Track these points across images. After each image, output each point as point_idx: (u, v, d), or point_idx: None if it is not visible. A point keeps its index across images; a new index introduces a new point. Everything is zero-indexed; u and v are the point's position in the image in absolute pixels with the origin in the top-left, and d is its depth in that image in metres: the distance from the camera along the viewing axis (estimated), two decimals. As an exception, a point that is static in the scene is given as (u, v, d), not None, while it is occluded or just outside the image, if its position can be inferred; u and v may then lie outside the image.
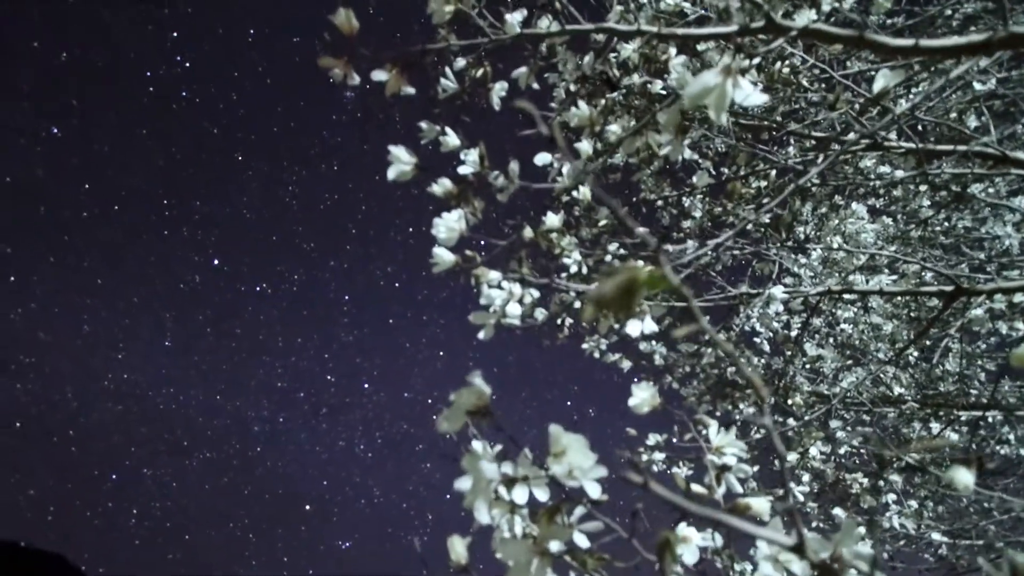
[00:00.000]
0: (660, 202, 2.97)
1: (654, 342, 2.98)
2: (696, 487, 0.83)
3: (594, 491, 0.52)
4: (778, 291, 1.16)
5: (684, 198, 2.75)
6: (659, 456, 2.61)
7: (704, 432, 0.96)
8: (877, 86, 0.81)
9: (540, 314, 1.64)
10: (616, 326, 1.51)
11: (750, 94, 0.46)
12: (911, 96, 1.96)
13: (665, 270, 0.21)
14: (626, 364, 3.08)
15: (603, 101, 0.97)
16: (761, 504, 0.57)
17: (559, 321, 2.82)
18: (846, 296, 2.40)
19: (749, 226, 2.14)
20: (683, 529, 0.79)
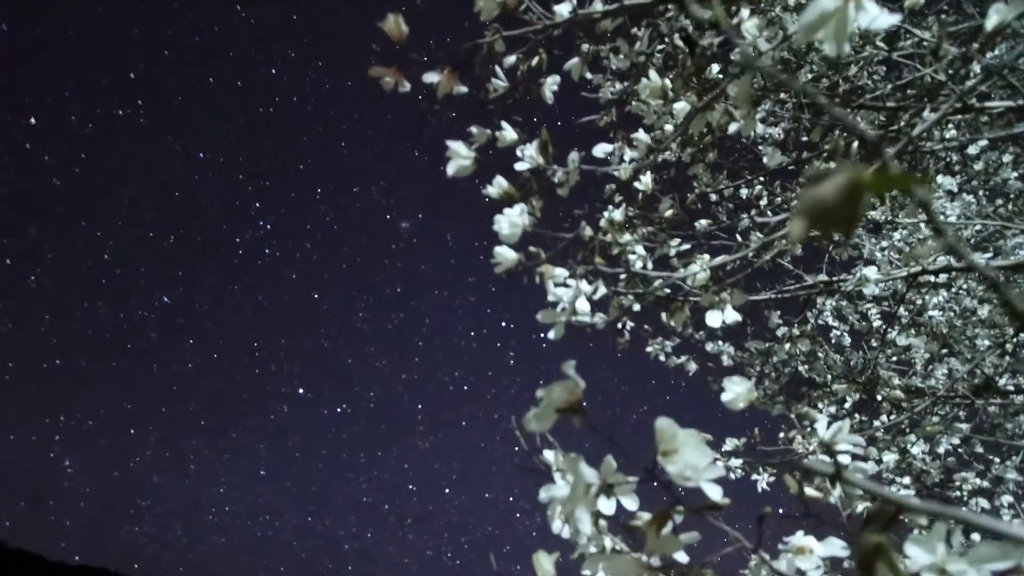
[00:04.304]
0: (715, 196, 2.85)
1: (721, 342, 2.84)
2: (810, 490, 0.74)
3: (715, 493, 0.45)
4: (872, 272, 1.05)
5: (743, 188, 2.62)
6: (736, 462, 2.45)
7: (805, 428, 0.86)
8: (991, 23, 0.71)
9: (599, 319, 1.57)
10: (709, 309, 1.42)
11: (877, 17, 0.39)
12: (986, 58, 1.79)
13: (892, 168, 0.15)
14: (692, 367, 2.94)
15: (668, 79, 0.91)
16: (912, 504, 0.48)
17: (619, 325, 2.73)
18: (934, 279, 2.20)
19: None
20: (800, 538, 0.70)
